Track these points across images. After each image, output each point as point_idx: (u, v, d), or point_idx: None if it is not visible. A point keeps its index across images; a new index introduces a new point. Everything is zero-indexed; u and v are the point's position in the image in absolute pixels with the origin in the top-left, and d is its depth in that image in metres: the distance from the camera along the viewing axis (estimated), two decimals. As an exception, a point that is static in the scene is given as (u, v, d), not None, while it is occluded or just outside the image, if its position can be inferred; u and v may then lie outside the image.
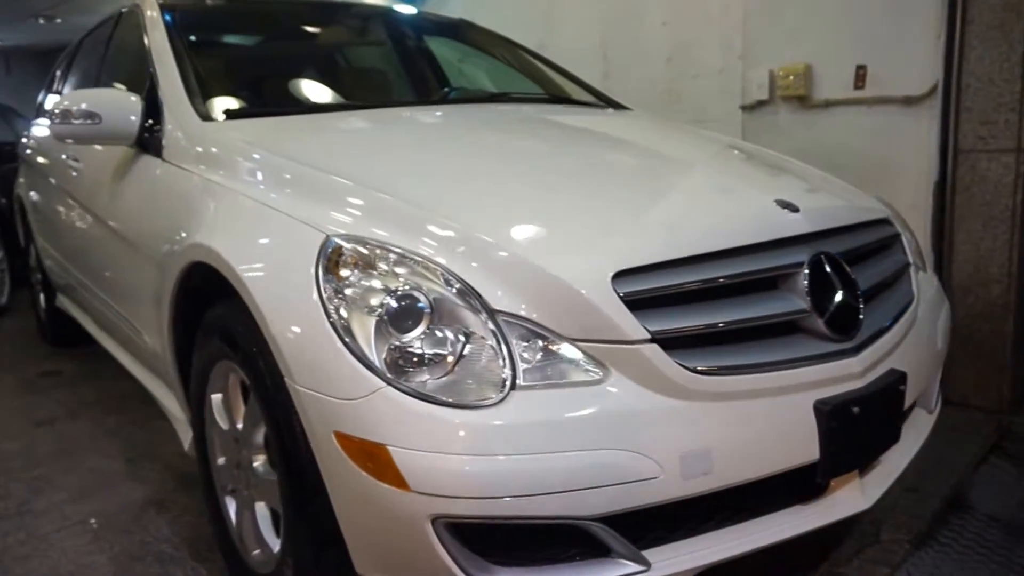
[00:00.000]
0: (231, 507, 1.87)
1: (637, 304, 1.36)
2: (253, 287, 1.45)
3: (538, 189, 1.65)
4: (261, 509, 1.72)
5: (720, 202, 1.66)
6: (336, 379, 1.31)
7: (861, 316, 1.59)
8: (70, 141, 2.15)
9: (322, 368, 1.33)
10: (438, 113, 2.38)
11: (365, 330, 1.32)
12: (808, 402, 1.47)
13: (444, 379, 1.30)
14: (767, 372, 1.44)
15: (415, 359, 1.31)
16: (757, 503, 1.52)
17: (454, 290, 1.35)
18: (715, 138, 2.39)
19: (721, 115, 3.80)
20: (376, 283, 1.36)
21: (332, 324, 1.33)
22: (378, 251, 1.40)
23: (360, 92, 2.68)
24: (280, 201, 1.60)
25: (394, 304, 1.34)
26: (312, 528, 1.47)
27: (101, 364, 3.71)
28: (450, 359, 1.31)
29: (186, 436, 2.13)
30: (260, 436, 1.65)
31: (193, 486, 2.47)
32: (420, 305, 1.34)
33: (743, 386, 1.41)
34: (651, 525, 1.39)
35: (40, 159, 3.67)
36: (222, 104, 2.13)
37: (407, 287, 1.35)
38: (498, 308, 1.34)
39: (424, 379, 1.30)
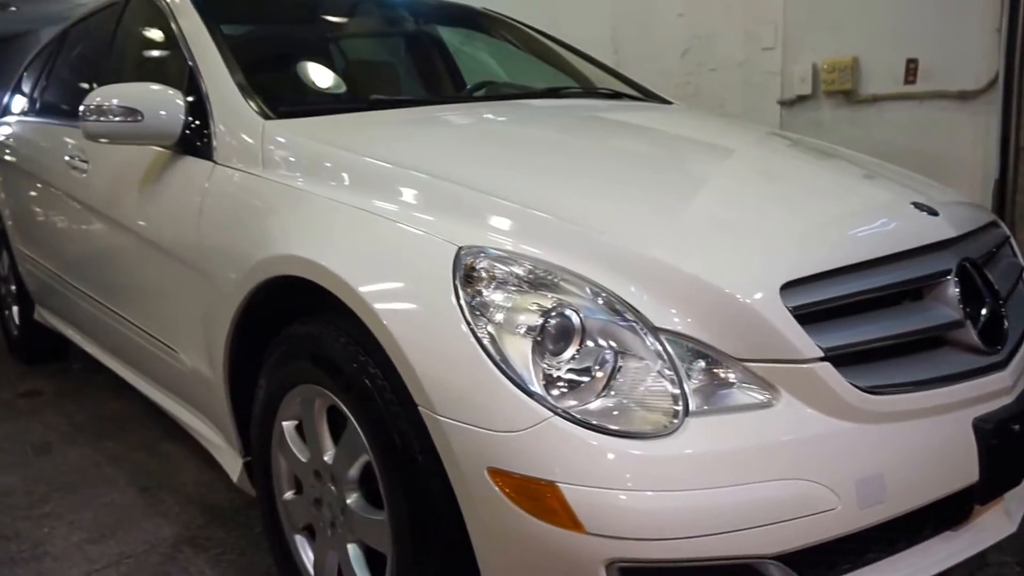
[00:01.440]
0: (304, 547, 1.76)
1: (805, 318, 1.30)
2: (378, 306, 1.34)
3: (668, 194, 1.58)
4: (352, 549, 1.61)
5: (862, 206, 1.60)
6: (491, 409, 1.22)
7: (1007, 325, 1.55)
8: (104, 140, 2.01)
9: (473, 396, 1.23)
10: (516, 109, 2.27)
11: (520, 353, 1.24)
12: (966, 420, 1.43)
13: (607, 406, 1.23)
14: (931, 389, 1.40)
15: (573, 385, 1.23)
16: (907, 532, 1.46)
17: (607, 305, 1.27)
18: (792, 136, 2.35)
19: (742, 109, 3.78)
20: (522, 299, 1.28)
21: (482, 347, 1.24)
22: (518, 263, 1.31)
23: (418, 85, 2.58)
24: (386, 209, 1.50)
25: (547, 323, 1.25)
26: (435, 571, 1.37)
27: (81, 382, 3.56)
28: (610, 383, 1.23)
29: (233, 466, 2.01)
30: (356, 470, 1.54)
31: (225, 520, 2.35)
32: (573, 323, 1.26)
33: (910, 405, 1.36)
34: (815, 561, 1.32)
35: (18, 159, 3.48)
36: (278, 100, 2.01)
37: (556, 303, 1.27)
38: (659, 325, 1.26)
39: (586, 407, 1.22)
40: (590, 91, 2.65)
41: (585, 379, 1.24)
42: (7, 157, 3.69)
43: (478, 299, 1.28)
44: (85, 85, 2.96)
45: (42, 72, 3.63)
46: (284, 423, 1.72)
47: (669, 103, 2.75)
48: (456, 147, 1.80)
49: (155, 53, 2.53)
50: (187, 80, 2.12)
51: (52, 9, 8.26)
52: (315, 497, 1.68)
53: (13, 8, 8.54)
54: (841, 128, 3.32)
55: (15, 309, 3.91)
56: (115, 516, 2.41)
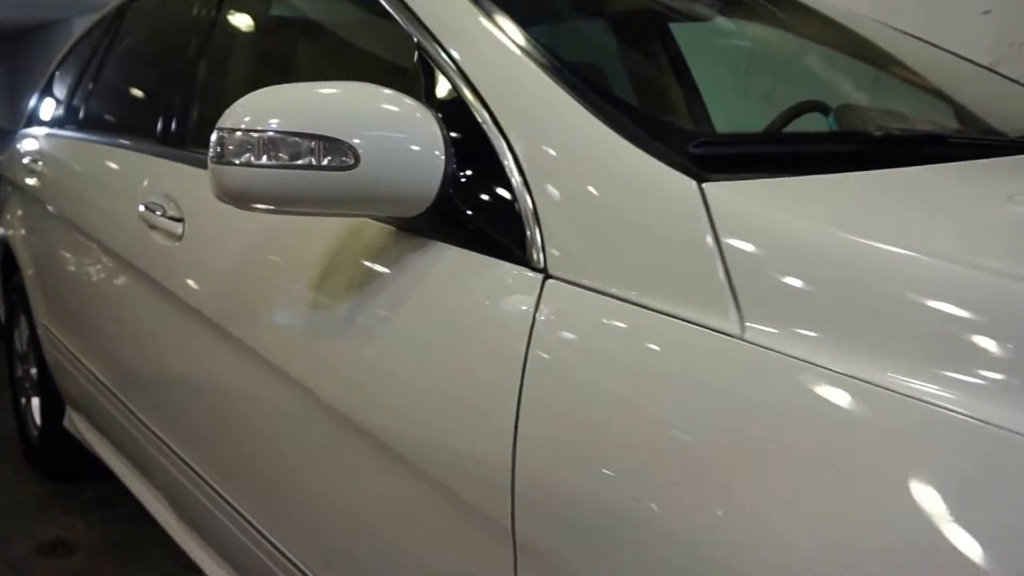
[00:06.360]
0: None
1: None
2: None
3: None
4: None
5: None
6: None
7: None
8: (264, 207, 0.94)
9: None
10: None
11: None
12: None
13: None
14: None
15: None
16: None
17: None
18: None
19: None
20: None
21: None
22: None
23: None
24: None
25: None
26: None
27: (129, 525, 2.50)
28: None
29: None
30: None
31: None
32: None
33: None
34: None
35: (48, 189, 2.47)
36: (686, 137, 0.93)
37: None
38: None
39: None
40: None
41: None
42: (29, 182, 2.68)
43: None
44: (165, 94, 1.90)
45: (86, 69, 2.60)
46: None
47: None
48: None
49: (320, 40, 1.49)
50: (423, 89, 1.06)
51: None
52: None
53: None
54: None
55: (36, 402, 2.87)
56: None
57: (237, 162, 0.93)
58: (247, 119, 0.94)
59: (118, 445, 2.12)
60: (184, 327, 1.50)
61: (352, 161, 0.90)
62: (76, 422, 2.47)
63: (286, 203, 0.94)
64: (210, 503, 1.52)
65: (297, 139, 0.90)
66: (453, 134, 0.97)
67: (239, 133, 0.92)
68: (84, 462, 2.68)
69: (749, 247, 0.73)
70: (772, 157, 0.95)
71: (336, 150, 0.90)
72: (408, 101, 0.96)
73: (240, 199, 0.94)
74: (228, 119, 0.95)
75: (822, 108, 1.70)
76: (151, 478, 1.88)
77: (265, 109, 0.94)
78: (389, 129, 0.93)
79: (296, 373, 1.14)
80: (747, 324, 0.70)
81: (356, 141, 0.90)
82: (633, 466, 0.73)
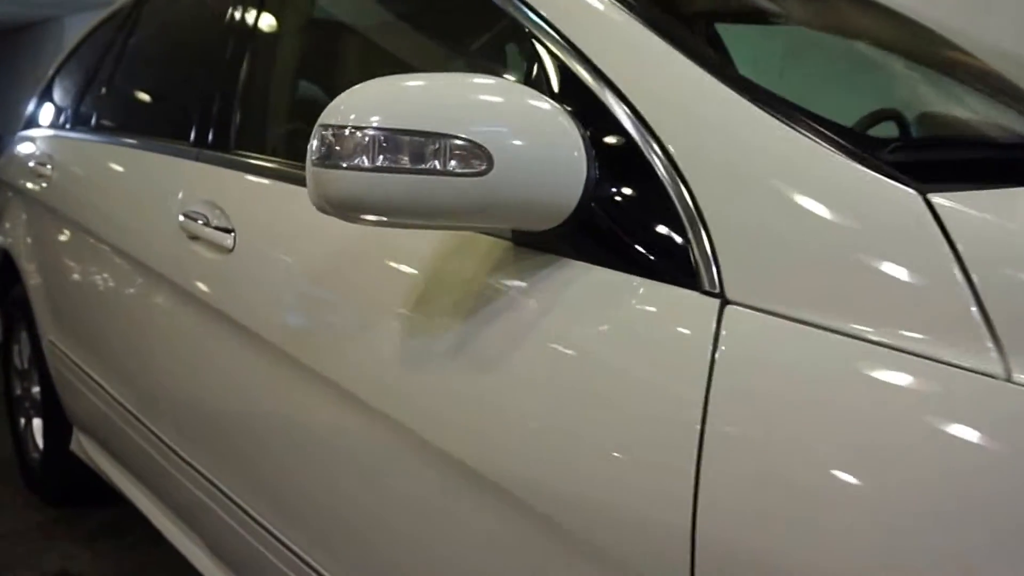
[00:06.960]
0: None
1: None
2: None
3: None
4: None
5: None
6: None
7: None
8: (371, 218, 0.82)
9: None
10: None
11: None
12: None
13: None
14: None
15: None
16: None
17: None
18: None
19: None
20: None
21: None
22: None
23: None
24: None
25: None
26: None
27: (139, 555, 2.35)
28: None
29: None
30: None
31: None
32: None
33: None
34: None
35: (56, 193, 2.33)
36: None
37: None
38: None
39: None
40: None
41: None
42: (35, 187, 2.54)
43: None
44: (201, 93, 1.76)
45: (99, 67, 2.46)
46: None
47: None
48: None
49: (396, 26, 1.37)
50: (543, 83, 0.94)
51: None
52: None
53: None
54: None
55: (37, 423, 2.72)
56: None
57: (345, 165, 0.80)
58: (353, 116, 0.81)
59: (136, 471, 1.98)
60: (232, 348, 1.37)
61: (484, 165, 0.78)
62: (85, 446, 2.32)
63: (403, 214, 0.81)
64: (256, 540, 1.38)
65: (421, 139, 0.78)
66: (589, 134, 0.85)
67: (348, 131, 0.80)
68: (89, 487, 2.54)
69: (1008, 273, 0.62)
70: (976, 165, 0.83)
71: (465, 152, 0.78)
72: (532, 93, 0.85)
73: (349, 208, 0.82)
74: (332, 116, 0.82)
75: (896, 117, 1.59)
76: (178, 508, 1.74)
77: (375, 104, 0.81)
78: (521, 127, 0.81)
79: (388, 408, 1.02)
80: (1012, 362, 0.59)
81: (487, 142, 0.78)
82: (850, 538, 0.61)
